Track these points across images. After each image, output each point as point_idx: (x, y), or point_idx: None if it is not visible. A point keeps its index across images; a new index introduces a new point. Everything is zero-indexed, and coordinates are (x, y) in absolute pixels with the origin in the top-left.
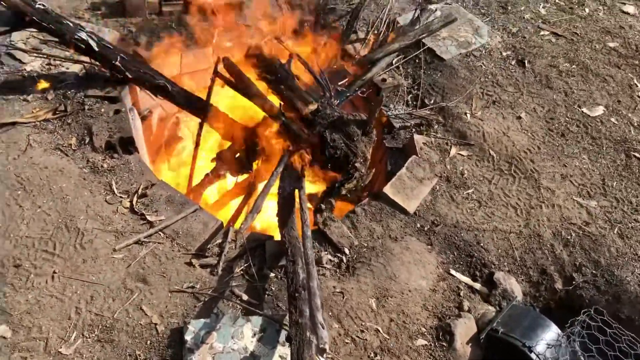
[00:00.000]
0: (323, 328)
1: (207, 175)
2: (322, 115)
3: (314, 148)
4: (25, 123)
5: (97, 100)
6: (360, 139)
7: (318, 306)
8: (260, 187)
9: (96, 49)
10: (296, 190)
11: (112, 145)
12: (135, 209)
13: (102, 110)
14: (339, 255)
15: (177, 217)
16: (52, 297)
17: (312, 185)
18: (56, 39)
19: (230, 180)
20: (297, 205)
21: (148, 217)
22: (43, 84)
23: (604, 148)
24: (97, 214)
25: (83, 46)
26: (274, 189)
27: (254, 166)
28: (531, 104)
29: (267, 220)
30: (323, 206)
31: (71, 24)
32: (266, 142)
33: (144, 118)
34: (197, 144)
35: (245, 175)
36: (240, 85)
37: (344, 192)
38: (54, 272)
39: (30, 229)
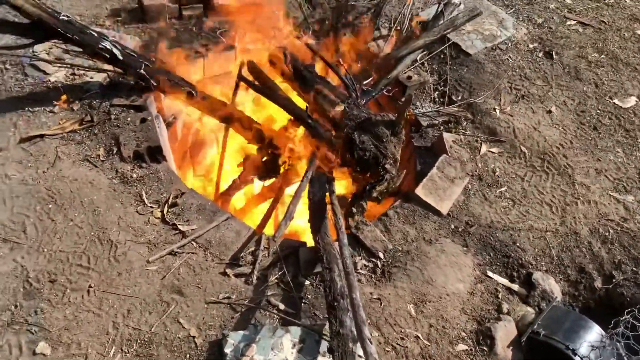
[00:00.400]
0: (371, 343)
1: (234, 180)
2: (350, 116)
3: (343, 150)
4: (52, 135)
5: (122, 110)
6: (390, 139)
7: (364, 319)
8: (288, 190)
9: (120, 57)
10: (327, 194)
11: (140, 155)
12: (167, 219)
13: (129, 119)
14: (373, 260)
15: (209, 227)
16: (89, 312)
17: (341, 187)
18: (80, 49)
19: (257, 185)
20: (328, 209)
21: (180, 227)
22: (68, 95)
23: (639, 140)
24: (129, 225)
25: (107, 55)
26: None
27: (281, 170)
28: (561, 96)
29: (293, 223)
30: (354, 210)
31: (95, 34)
32: (293, 146)
33: (169, 125)
34: (223, 149)
35: (272, 179)
36: (265, 89)
37: (374, 194)
38: (90, 287)
39: (64, 243)
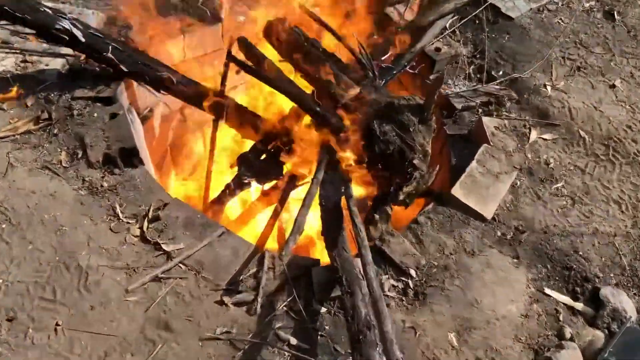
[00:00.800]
0: None
1: (227, 185)
2: (367, 101)
3: (360, 144)
4: (2, 138)
5: (87, 103)
6: (417, 128)
7: (398, 358)
8: (294, 195)
9: (82, 39)
10: (343, 199)
11: (112, 159)
12: (148, 237)
13: (95, 114)
14: (403, 279)
15: (200, 245)
16: (57, 355)
17: (359, 190)
18: (32, 31)
19: (254, 189)
20: (345, 218)
21: (164, 247)
22: (19, 87)
23: None
24: (102, 246)
25: (66, 37)
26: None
27: (284, 170)
28: (626, 66)
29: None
30: (377, 216)
31: (50, 11)
32: (298, 140)
33: (144, 119)
34: (211, 147)
35: (273, 182)
36: (261, 70)
37: (401, 197)
38: (57, 325)
39: (23, 272)
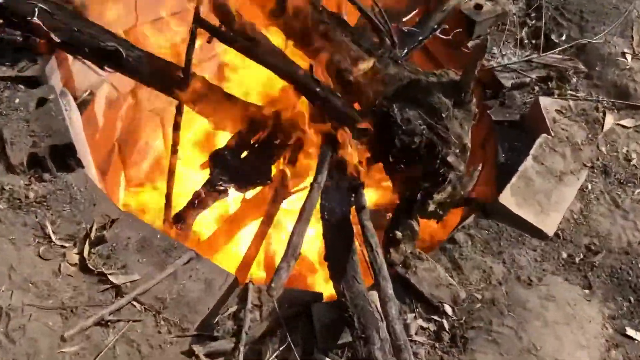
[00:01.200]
0: None
1: (197, 193)
2: (384, 78)
3: (375, 136)
4: None
5: (6, 85)
6: (452, 114)
7: None
8: (286, 206)
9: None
10: (353, 211)
11: (40, 160)
12: (90, 266)
13: (17, 101)
14: (436, 318)
15: (161, 275)
16: None
17: (375, 198)
18: None
19: (233, 198)
20: (356, 237)
21: (112, 279)
22: None
23: None
24: (28, 279)
25: None
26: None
27: (273, 171)
28: None
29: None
30: (399, 234)
31: None
32: (292, 131)
33: (83, 105)
34: (174, 141)
35: (258, 188)
36: (239, 38)
37: (431, 207)
38: None
39: None
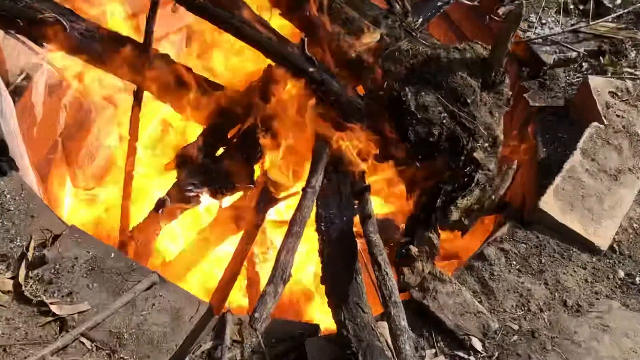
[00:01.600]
0: None
1: (161, 201)
2: (394, 54)
3: (382, 127)
4: None
5: None
6: (480, 98)
7: None
8: (273, 216)
9: None
10: (356, 221)
11: None
12: (27, 293)
13: None
14: (461, 355)
15: (117, 305)
16: None
17: (383, 205)
18: None
19: (206, 206)
20: (361, 254)
21: (55, 309)
22: None
23: None
24: None
25: None
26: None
27: (256, 172)
28: None
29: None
30: (414, 249)
31: None
32: (279, 121)
33: (17, 92)
34: (132, 136)
35: (238, 195)
36: (212, 5)
37: (454, 215)
38: None
39: None
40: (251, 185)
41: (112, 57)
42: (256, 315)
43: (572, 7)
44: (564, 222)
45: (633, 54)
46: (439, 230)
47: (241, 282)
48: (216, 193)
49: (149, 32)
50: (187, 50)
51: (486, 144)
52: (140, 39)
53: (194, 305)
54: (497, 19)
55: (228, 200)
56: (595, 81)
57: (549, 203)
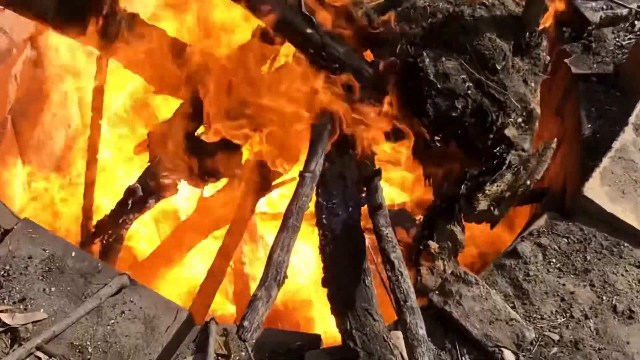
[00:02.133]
0: None
1: (130, 190)
2: (408, 12)
3: (396, 99)
4: None
5: None
6: (512, 65)
7: None
8: (264, 207)
9: None
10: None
11: None
12: None
13: None
14: None
15: (79, 312)
16: None
17: (396, 192)
18: None
19: (185, 196)
20: (370, 251)
21: (4, 318)
22: None
23: None
24: None
25: None
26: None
27: (245, 155)
28: None
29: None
30: (433, 245)
31: None
32: (272, 94)
33: None
34: (95, 111)
35: (223, 182)
36: None
37: (482, 204)
38: None
39: None
40: (238, 171)
41: (70, 18)
42: (245, 324)
43: None
44: (613, 212)
45: None
46: (464, 223)
47: (227, 285)
48: (197, 180)
49: None
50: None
51: (519, 119)
52: None
53: (171, 313)
54: None
55: (211, 188)
56: None
57: (595, 189)
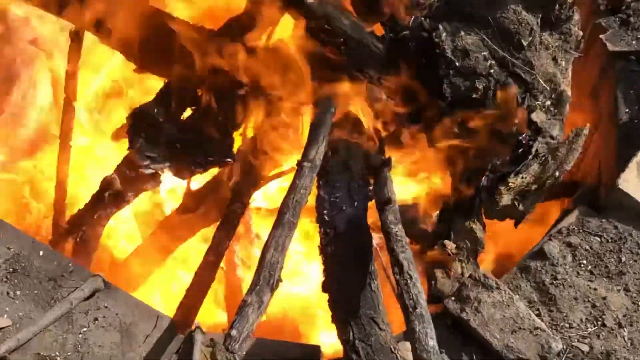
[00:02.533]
0: None
1: (107, 181)
2: None
3: (408, 80)
4: None
5: None
6: (540, 40)
7: None
8: (259, 201)
9: None
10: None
11: None
12: None
13: None
14: None
15: (47, 319)
16: None
17: (408, 185)
18: None
19: (169, 188)
20: (377, 252)
21: None
22: None
23: None
24: None
25: None
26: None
27: (237, 142)
28: None
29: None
30: (450, 245)
31: None
32: (267, 74)
33: None
34: (68, 91)
35: (213, 172)
36: None
37: (504, 198)
38: None
39: None
40: (229, 160)
41: None
42: (233, 333)
43: None
44: None
45: None
46: (484, 220)
47: (217, 289)
48: (182, 170)
49: None
50: None
51: (548, 102)
52: None
53: (151, 320)
54: None
55: (199, 180)
56: None
57: (631, 181)
